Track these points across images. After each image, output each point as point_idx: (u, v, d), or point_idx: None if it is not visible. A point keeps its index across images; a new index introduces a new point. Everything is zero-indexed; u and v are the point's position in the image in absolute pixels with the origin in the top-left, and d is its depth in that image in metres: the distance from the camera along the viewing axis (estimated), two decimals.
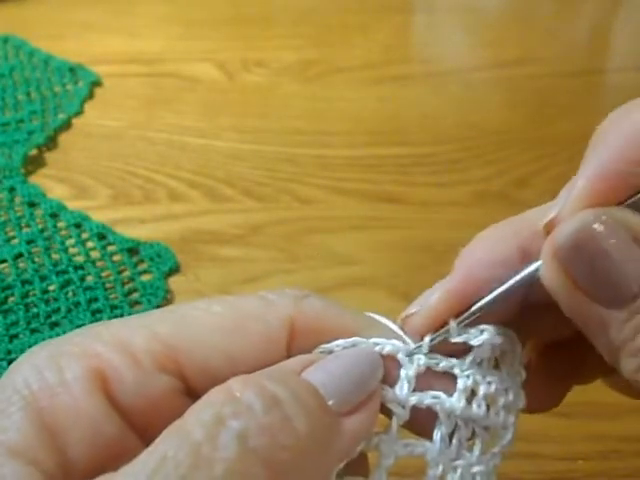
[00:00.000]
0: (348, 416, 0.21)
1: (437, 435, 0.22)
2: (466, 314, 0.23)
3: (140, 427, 0.20)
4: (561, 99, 0.67)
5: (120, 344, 0.20)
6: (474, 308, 0.23)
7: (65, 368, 0.19)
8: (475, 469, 0.22)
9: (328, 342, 0.22)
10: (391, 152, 0.60)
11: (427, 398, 0.22)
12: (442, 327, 0.23)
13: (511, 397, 0.23)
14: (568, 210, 0.21)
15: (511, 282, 0.22)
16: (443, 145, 0.61)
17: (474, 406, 0.22)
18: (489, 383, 0.23)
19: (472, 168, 0.58)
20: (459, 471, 0.22)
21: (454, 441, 0.22)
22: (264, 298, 0.22)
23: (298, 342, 0.22)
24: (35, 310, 0.46)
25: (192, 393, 0.21)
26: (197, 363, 0.20)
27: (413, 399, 0.22)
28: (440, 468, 0.22)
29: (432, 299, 0.23)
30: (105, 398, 0.19)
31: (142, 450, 0.18)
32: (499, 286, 0.22)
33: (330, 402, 0.20)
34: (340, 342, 0.22)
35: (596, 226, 0.20)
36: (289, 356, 0.22)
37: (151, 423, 0.20)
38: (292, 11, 0.81)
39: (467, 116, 0.64)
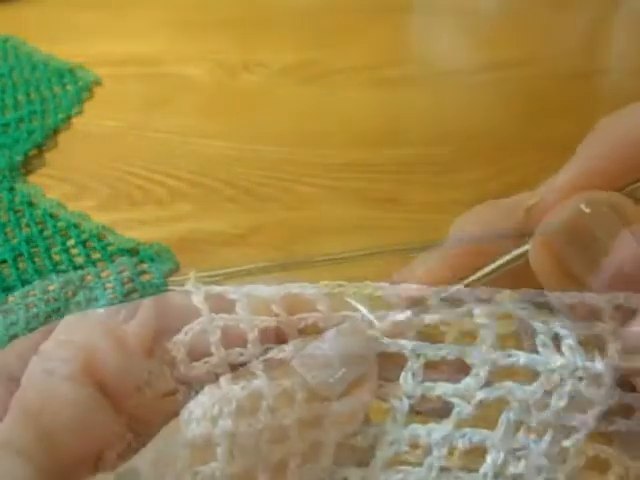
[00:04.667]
0: (340, 399, 0.21)
1: (503, 420, 0.21)
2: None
3: (130, 411, 0.20)
4: (560, 99, 0.67)
5: (108, 329, 0.21)
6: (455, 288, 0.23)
7: (53, 358, 0.20)
8: (541, 462, 0.21)
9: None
10: (391, 152, 0.60)
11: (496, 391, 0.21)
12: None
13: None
14: (555, 194, 0.21)
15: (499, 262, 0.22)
16: (443, 145, 0.60)
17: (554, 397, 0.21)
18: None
19: (472, 168, 0.58)
20: (523, 462, 0.21)
21: (521, 429, 0.21)
22: None
23: None
24: (35, 310, 0.46)
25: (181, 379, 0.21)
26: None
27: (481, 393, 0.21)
28: (502, 455, 0.21)
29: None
30: (94, 387, 0.19)
31: (133, 435, 0.19)
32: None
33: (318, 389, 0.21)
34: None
35: (589, 210, 0.20)
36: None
37: (140, 407, 0.20)
38: (291, 12, 0.81)
39: (467, 116, 0.64)
